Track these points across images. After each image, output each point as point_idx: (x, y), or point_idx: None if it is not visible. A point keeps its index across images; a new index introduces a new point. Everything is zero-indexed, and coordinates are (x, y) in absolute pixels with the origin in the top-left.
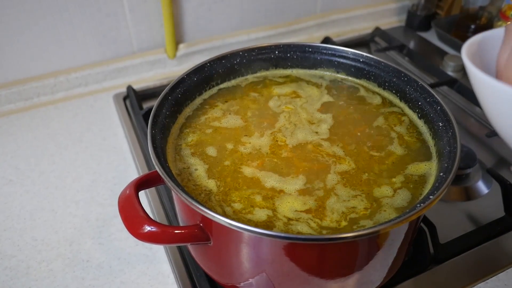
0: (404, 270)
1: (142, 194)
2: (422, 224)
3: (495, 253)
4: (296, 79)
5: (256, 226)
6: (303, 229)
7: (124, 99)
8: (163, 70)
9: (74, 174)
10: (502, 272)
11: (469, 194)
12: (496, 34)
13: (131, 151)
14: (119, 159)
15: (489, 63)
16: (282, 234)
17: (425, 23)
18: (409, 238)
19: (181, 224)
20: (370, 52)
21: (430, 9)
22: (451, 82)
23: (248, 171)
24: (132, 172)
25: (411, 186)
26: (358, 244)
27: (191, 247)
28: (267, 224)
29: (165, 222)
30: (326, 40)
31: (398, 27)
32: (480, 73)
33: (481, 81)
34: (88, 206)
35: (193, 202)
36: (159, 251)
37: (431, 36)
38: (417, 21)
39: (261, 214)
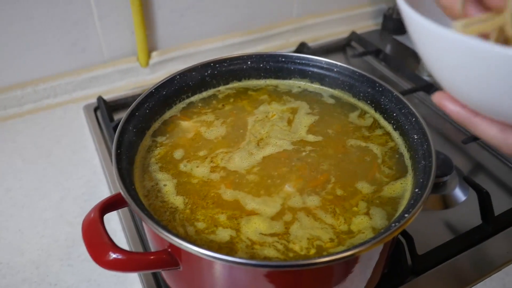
0: (383, 284)
1: (114, 214)
2: (399, 236)
3: (473, 262)
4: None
5: (219, 247)
6: (270, 253)
7: (95, 110)
8: (136, 78)
9: (42, 191)
10: (480, 282)
11: (447, 202)
12: None
13: (102, 165)
14: (90, 173)
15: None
16: (254, 262)
17: (401, 27)
18: (385, 254)
19: (151, 247)
20: (346, 58)
21: None
22: (427, 87)
23: (217, 188)
24: (103, 187)
25: (381, 202)
26: (333, 266)
27: (162, 271)
28: (230, 246)
29: (138, 243)
30: (302, 45)
31: (374, 30)
32: (421, 18)
33: (423, 30)
34: (57, 225)
35: (159, 229)
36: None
37: (407, 40)
38: (393, 24)
39: (224, 234)
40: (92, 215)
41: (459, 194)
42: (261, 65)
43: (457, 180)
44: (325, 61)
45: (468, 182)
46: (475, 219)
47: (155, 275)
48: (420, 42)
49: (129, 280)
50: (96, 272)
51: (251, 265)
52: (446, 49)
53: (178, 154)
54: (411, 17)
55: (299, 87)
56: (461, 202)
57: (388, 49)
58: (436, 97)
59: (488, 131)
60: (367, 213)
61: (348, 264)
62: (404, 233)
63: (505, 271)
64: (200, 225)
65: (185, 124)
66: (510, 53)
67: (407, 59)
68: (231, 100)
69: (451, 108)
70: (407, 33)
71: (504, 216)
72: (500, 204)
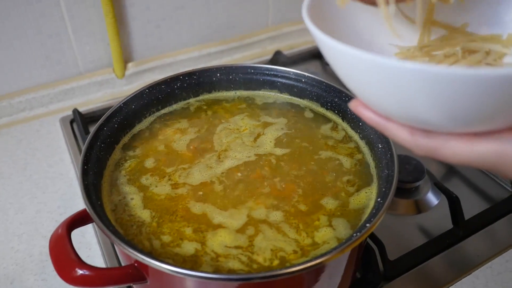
0: None
1: (89, 227)
2: (371, 242)
3: (444, 266)
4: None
5: (183, 261)
6: (234, 265)
7: (71, 122)
8: (112, 90)
9: (17, 205)
10: (451, 285)
11: (419, 207)
12: None
13: (78, 178)
14: (65, 186)
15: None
16: (216, 276)
17: None
18: (352, 262)
19: (121, 262)
20: (323, 65)
21: None
22: None
23: (183, 202)
24: (79, 200)
25: (342, 213)
26: (299, 277)
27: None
28: (194, 260)
29: (113, 256)
30: (277, 53)
31: None
32: (327, 39)
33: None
34: (32, 239)
35: (123, 244)
36: None
37: None
38: None
39: (189, 247)
40: (59, 231)
41: (432, 198)
42: (231, 77)
43: (429, 185)
44: (293, 72)
45: (438, 187)
46: (448, 223)
47: None
48: (324, 53)
49: None
50: (70, 287)
51: (213, 279)
52: (340, 61)
53: (146, 166)
54: (312, 32)
55: (270, 97)
56: (433, 206)
57: None
58: (352, 105)
59: (399, 135)
60: (330, 225)
61: (312, 274)
62: (375, 240)
63: (475, 275)
64: (166, 238)
65: (155, 136)
66: (387, 62)
67: None
68: (202, 111)
69: (366, 114)
70: None
71: (474, 220)
72: (472, 207)
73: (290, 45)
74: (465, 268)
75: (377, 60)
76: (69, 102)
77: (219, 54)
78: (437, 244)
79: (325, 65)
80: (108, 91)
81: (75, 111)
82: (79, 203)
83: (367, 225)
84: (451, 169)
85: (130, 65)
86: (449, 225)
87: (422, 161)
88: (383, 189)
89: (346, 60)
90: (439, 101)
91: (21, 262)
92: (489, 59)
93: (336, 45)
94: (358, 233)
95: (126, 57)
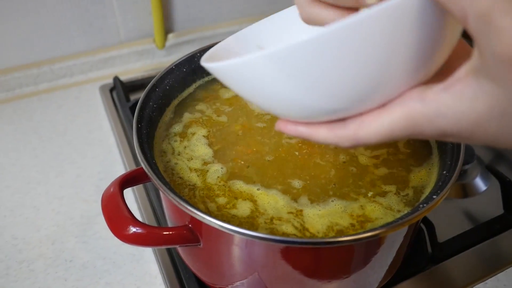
0: (402, 271)
1: (128, 191)
2: (420, 223)
3: (494, 252)
4: None
5: (240, 222)
6: (287, 229)
7: (111, 90)
8: (152, 60)
9: (57, 168)
10: (501, 272)
11: (467, 191)
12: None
13: (118, 144)
14: (105, 153)
15: None
16: (279, 238)
17: None
18: (409, 239)
19: (169, 224)
20: None
21: None
22: None
23: (232, 167)
24: (119, 166)
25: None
26: (356, 248)
27: (179, 248)
28: (251, 222)
29: (153, 222)
30: None
31: None
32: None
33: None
34: (72, 202)
35: (182, 203)
36: (146, 250)
37: None
38: None
39: (244, 207)
40: (112, 189)
41: (480, 183)
42: None
43: (478, 169)
44: None
45: (490, 170)
46: (496, 209)
47: (170, 254)
48: (233, 86)
49: (145, 258)
50: (111, 250)
51: (274, 241)
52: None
53: (193, 131)
54: (205, 66)
55: None
56: (481, 192)
57: None
58: (277, 127)
59: (320, 135)
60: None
61: (370, 246)
62: (425, 220)
63: None
64: (221, 200)
65: (203, 102)
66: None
67: None
68: None
69: (290, 129)
70: None
71: None
72: None
73: None
74: None
75: (241, 60)
76: (108, 70)
77: None
78: (488, 229)
79: None
80: (147, 61)
81: (116, 78)
82: (119, 170)
83: (434, 197)
84: (500, 155)
85: (170, 36)
86: (497, 212)
87: (472, 146)
88: (449, 162)
89: (233, 75)
90: (310, 77)
91: (62, 224)
92: None
93: (219, 64)
94: (424, 205)
95: (167, 28)
